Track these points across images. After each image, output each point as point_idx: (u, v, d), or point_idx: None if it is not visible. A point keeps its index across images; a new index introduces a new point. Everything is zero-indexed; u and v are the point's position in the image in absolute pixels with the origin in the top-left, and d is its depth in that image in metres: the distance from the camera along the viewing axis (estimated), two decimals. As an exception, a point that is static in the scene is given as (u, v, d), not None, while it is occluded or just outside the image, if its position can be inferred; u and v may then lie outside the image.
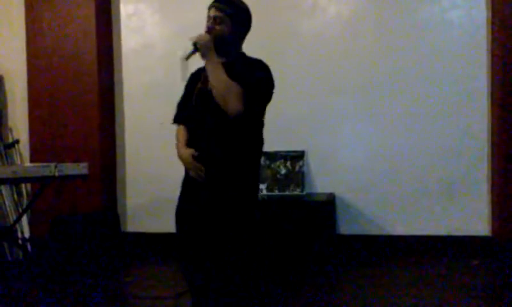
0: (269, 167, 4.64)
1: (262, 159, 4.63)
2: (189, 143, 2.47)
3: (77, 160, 4.32)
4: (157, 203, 5.03)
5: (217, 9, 2.40)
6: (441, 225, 4.46)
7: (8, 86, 5.27)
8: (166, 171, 5.04)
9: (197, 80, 2.49)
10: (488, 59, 4.38)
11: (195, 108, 2.45)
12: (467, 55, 4.43)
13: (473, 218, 4.42)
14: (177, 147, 2.51)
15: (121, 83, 5.14)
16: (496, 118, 4.30)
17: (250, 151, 2.46)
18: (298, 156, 4.61)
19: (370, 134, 4.60)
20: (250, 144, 2.46)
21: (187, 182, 2.50)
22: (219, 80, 2.27)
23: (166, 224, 4.99)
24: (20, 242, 4.82)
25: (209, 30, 2.39)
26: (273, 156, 4.61)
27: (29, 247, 4.82)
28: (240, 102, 2.27)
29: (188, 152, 2.42)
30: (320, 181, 4.66)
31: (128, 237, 5.01)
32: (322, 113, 4.67)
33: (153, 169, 5.06)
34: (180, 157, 2.47)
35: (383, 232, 4.56)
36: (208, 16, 2.43)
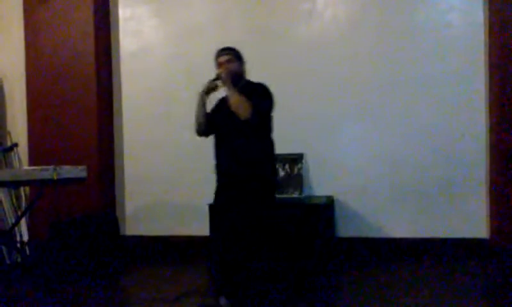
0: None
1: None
2: (217, 147, 3.28)
3: (75, 162, 4.31)
4: (155, 206, 5.03)
5: (226, 54, 3.29)
6: (439, 227, 4.47)
7: (6, 89, 5.27)
8: (165, 174, 5.05)
9: (221, 105, 3.32)
10: (487, 60, 4.39)
11: (221, 122, 3.26)
12: (466, 56, 4.44)
13: (471, 220, 4.43)
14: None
15: (119, 86, 5.15)
16: (496, 118, 4.32)
17: (265, 149, 3.25)
18: (297, 159, 4.61)
19: (369, 137, 4.61)
20: (264, 143, 3.25)
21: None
22: (234, 98, 3.12)
23: (165, 226, 5.04)
24: (18, 245, 4.81)
25: (225, 69, 3.22)
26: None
27: (27, 250, 4.82)
28: (248, 110, 3.07)
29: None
30: (319, 184, 4.67)
31: (127, 240, 5.01)
32: (320, 116, 4.68)
33: (151, 171, 5.06)
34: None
35: (382, 234, 4.57)
36: (220, 62, 3.27)
